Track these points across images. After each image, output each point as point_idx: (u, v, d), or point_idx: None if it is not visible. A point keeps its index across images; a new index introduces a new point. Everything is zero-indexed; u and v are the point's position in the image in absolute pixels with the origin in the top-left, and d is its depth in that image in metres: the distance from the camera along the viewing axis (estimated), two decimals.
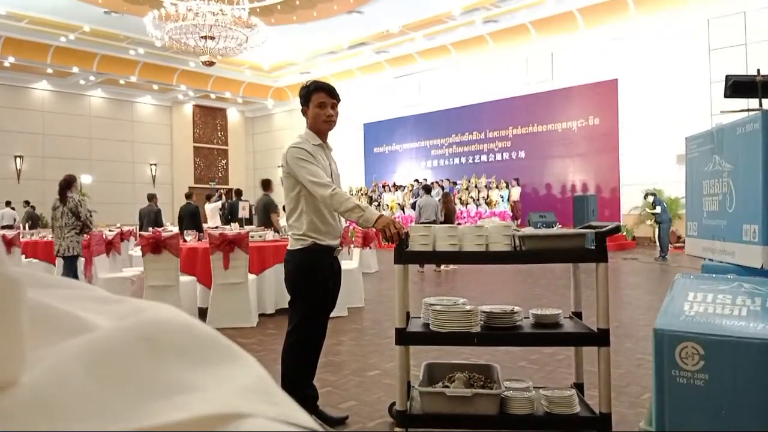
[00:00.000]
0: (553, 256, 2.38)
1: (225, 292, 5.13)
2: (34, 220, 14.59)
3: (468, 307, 2.40)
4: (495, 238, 2.34)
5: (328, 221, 2.61)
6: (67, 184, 6.66)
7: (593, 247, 2.27)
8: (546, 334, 2.40)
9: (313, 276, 2.61)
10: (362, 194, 19.32)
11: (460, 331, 2.31)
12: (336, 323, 5.28)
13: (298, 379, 2.68)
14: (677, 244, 12.24)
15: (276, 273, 5.89)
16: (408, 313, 2.56)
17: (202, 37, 12.89)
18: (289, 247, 2.67)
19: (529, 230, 2.54)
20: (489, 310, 2.42)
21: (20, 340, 0.22)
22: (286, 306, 6.04)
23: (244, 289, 5.19)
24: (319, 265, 2.61)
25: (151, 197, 11.10)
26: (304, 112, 2.67)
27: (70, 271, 6.39)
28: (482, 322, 2.38)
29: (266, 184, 8.39)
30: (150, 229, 8.17)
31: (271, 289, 5.80)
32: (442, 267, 9.62)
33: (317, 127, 2.65)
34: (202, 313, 5.22)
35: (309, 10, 15.04)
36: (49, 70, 17.76)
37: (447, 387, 2.40)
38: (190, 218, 10.10)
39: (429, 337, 2.44)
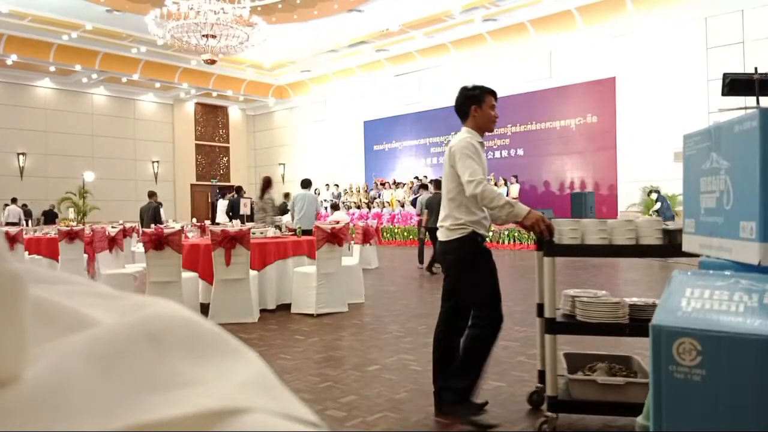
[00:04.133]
0: None
1: (226, 288, 5.15)
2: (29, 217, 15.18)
3: (615, 300, 2.47)
4: (645, 231, 2.38)
5: (485, 214, 2.75)
6: (266, 184, 7.67)
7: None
8: None
9: (481, 259, 2.71)
10: (363, 191, 19.34)
11: (610, 322, 2.39)
12: (336, 319, 5.31)
13: (483, 366, 2.72)
14: None
15: (277, 269, 5.91)
16: (541, 305, 2.62)
17: (203, 35, 12.88)
18: (446, 238, 2.74)
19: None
20: (632, 302, 2.50)
21: (22, 335, 0.22)
22: (287, 302, 6.10)
23: (246, 285, 5.21)
24: (481, 250, 2.73)
25: (151, 194, 11.54)
26: (471, 111, 2.83)
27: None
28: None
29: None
30: (153, 225, 8.39)
31: (272, 285, 5.82)
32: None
33: (486, 126, 2.86)
34: (204, 309, 5.23)
35: (309, 9, 15.02)
36: (52, 68, 17.75)
37: (588, 375, 2.51)
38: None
39: (578, 328, 2.53)
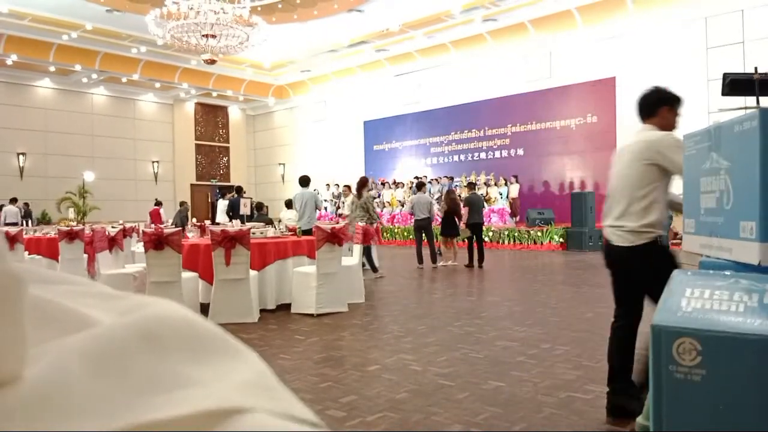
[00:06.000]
0: None
1: (226, 288, 5.15)
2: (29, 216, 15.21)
3: None
4: None
5: (665, 215, 2.65)
6: (362, 184, 7.93)
7: None
8: None
9: (670, 267, 2.62)
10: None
11: None
12: (336, 319, 5.31)
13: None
14: (674, 241, 12.24)
15: (277, 269, 5.91)
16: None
17: (203, 35, 12.88)
18: (626, 244, 2.58)
19: None
20: None
21: (22, 335, 0.22)
22: (287, 302, 6.10)
23: (246, 285, 5.21)
24: (668, 255, 2.60)
25: (182, 203, 13.75)
26: (662, 111, 2.80)
27: (363, 253, 6.96)
28: None
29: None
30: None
31: (273, 285, 5.82)
32: (439, 263, 9.66)
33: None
34: (204, 309, 5.23)
35: (310, 9, 15.02)
36: (52, 68, 17.75)
37: None
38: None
39: None
